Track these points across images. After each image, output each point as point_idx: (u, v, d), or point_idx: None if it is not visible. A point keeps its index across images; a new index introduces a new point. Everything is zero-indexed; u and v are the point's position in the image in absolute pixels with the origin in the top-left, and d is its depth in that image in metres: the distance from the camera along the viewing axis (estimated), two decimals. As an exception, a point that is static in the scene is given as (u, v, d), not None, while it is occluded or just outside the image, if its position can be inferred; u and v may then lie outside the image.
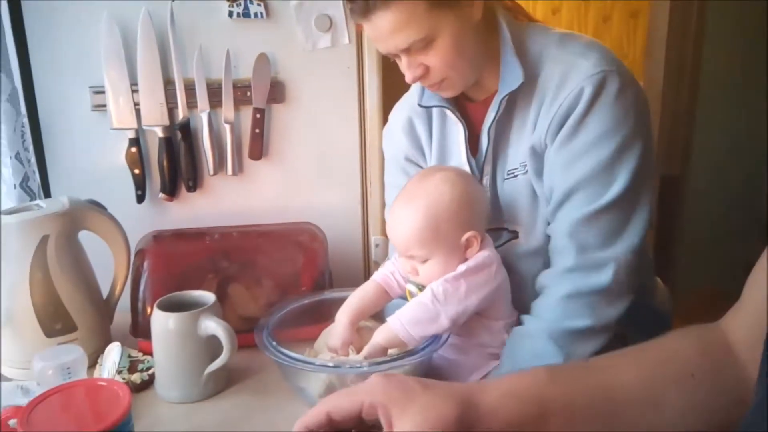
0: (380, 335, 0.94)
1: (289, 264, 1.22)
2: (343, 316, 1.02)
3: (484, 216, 1.02)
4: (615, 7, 4.18)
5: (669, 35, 2.24)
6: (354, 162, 1.44)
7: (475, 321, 0.99)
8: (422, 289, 0.97)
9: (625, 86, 0.94)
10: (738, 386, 0.59)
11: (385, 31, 0.93)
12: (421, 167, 1.15)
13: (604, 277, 0.95)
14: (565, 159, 0.96)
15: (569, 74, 0.95)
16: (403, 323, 0.92)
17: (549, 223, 1.02)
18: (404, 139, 1.14)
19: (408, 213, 0.96)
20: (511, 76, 0.98)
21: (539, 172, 1.01)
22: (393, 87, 1.26)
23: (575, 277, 0.97)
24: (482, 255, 0.97)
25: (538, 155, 1.00)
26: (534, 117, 0.99)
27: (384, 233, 1.47)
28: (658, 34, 2.28)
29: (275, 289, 1.18)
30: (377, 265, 1.44)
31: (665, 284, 1.28)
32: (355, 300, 1.04)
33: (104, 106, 1.29)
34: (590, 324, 0.96)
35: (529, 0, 4.00)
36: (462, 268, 0.95)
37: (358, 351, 0.98)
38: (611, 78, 0.93)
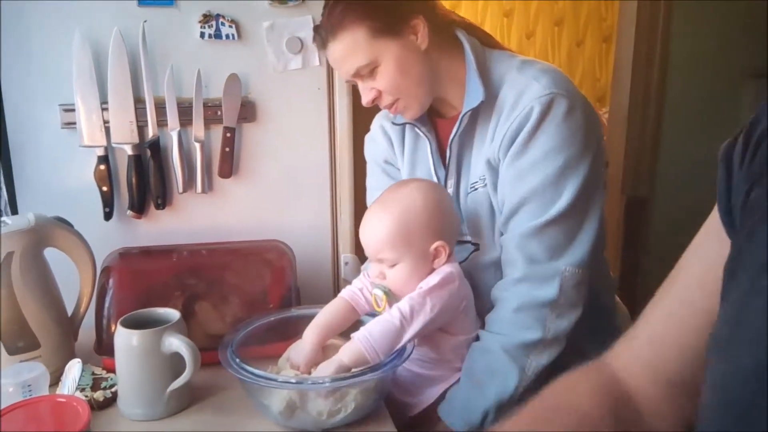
0: (347, 355, 0.94)
1: (257, 281, 1.22)
2: (310, 335, 1.03)
3: (455, 230, 1.06)
4: (588, 31, 4.29)
5: (635, 60, 2.31)
6: (324, 181, 1.46)
7: (438, 336, 1.01)
8: (388, 293, 1.00)
9: (572, 108, 0.99)
10: (635, 425, 0.59)
11: (336, 58, 1.06)
12: (399, 170, 1.22)
13: (550, 289, 0.99)
14: (514, 174, 1.02)
15: (523, 95, 1.01)
16: (372, 344, 0.93)
17: (502, 234, 1.06)
18: (383, 142, 1.22)
19: (381, 217, 1.00)
20: (473, 95, 1.04)
21: (495, 186, 1.06)
22: (363, 108, 1.28)
23: (524, 288, 1.01)
24: (445, 271, 0.99)
25: (493, 169, 1.06)
26: (492, 133, 1.05)
27: (354, 251, 1.50)
28: (625, 58, 2.35)
29: (242, 306, 1.18)
30: (347, 282, 1.45)
31: (631, 304, 1.31)
32: (322, 318, 1.05)
33: (74, 123, 1.29)
34: (540, 336, 1.00)
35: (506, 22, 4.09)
36: (425, 285, 0.97)
37: None
38: (559, 100, 0.99)
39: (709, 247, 0.54)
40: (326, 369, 0.93)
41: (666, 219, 2.41)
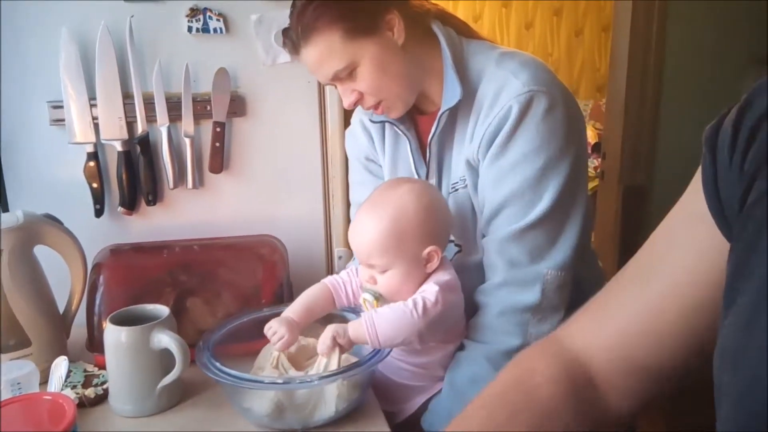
0: (354, 330, 0.91)
1: (249, 277, 1.22)
2: (290, 312, 1.01)
3: (448, 232, 1.03)
4: (587, 21, 4.27)
5: (632, 47, 2.29)
6: (316, 174, 1.45)
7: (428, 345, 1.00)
8: (378, 298, 0.96)
9: (552, 105, 0.95)
10: (595, 411, 0.56)
11: (312, 63, 1.01)
12: (381, 167, 1.19)
13: (532, 294, 0.97)
14: (493, 176, 0.99)
15: (501, 92, 0.97)
16: (377, 331, 0.90)
17: (484, 236, 1.04)
18: (364, 139, 1.18)
19: (371, 221, 0.95)
20: (451, 93, 1.00)
21: (476, 186, 1.03)
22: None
23: (505, 293, 0.99)
24: (446, 277, 0.96)
25: (473, 169, 1.02)
26: (471, 132, 1.01)
27: (347, 245, 1.49)
28: (621, 46, 2.33)
29: (234, 301, 1.18)
30: (340, 277, 1.45)
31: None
32: (303, 299, 1.03)
33: (63, 120, 1.29)
34: (521, 342, 0.97)
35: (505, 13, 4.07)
36: (436, 288, 0.94)
37: (297, 368, 0.98)
38: (538, 98, 0.95)
39: (694, 235, 0.51)
40: (327, 334, 0.91)
41: (664, 208, 2.36)
